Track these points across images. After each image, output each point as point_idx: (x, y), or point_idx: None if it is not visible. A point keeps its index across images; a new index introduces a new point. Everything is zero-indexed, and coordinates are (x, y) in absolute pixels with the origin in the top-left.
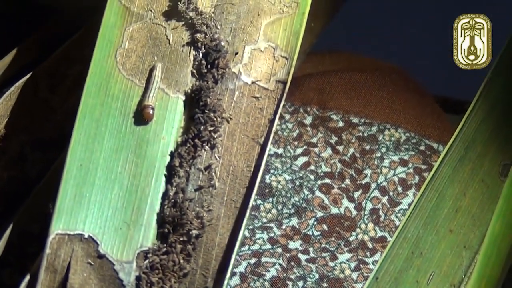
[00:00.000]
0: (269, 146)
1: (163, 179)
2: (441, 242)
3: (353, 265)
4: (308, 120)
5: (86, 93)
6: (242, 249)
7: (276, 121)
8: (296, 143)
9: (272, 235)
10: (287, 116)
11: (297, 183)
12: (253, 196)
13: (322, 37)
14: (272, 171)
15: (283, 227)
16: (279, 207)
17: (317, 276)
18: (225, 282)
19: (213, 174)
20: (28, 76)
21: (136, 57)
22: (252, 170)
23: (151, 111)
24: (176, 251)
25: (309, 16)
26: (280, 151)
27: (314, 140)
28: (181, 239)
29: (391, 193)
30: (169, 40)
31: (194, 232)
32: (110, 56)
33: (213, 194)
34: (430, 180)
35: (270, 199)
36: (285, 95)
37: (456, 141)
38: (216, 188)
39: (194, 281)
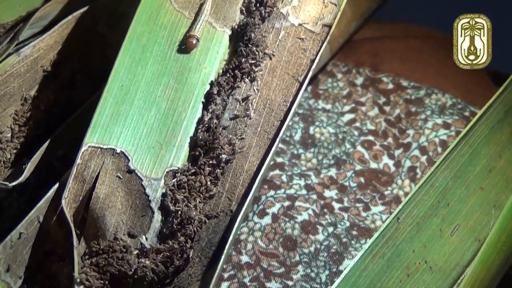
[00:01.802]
0: (306, 84)
1: (200, 105)
2: (470, 197)
3: (384, 217)
4: (359, 81)
5: (135, 20)
6: (278, 192)
7: (316, 61)
8: (345, 100)
9: (309, 182)
10: (339, 75)
11: (340, 137)
12: (284, 129)
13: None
14: (317, 123)
15: (321, 176)
16: (320, 157)
17: (348, 224)
18: (245, 207)
19: (250, 105)
20: (85, 8)
21: None
22: (288, 105)
23: (194, 41)
24: (204, 173)
25: None
26: (328, 106)
27: (363, 99)
28: (211, 162)
29: (430, 153)
30: None
31: (224, 156)
32: None
33: (247, 124)
34: (465, 135)
35: (312, 149)
36: (328, 37)
37: (496, 102)
38: (251, 118)
39: (219, 203)
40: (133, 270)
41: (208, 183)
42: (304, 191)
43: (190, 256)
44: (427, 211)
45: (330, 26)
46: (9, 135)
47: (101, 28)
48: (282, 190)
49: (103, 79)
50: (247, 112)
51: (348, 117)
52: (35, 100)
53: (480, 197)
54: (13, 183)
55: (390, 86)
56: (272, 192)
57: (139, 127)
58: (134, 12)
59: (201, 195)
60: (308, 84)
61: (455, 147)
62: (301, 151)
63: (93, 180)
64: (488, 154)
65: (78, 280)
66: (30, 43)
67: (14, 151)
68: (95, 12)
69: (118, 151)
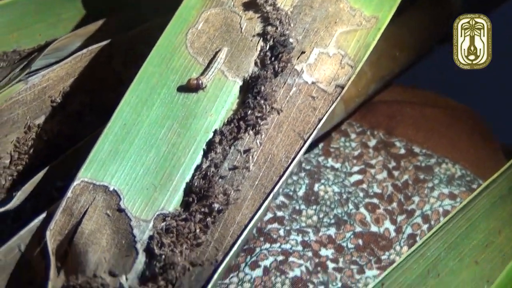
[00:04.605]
0: (309, 142)
1: (201, 153)
2: (463, 270)
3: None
4: (372, 143)
5: (148, 61)
6: (273, 245)
7: (323, 121)
8: (355, 161)
9: (306, 239)
10: (353, 136)
11: (344, 197)
12: (279, 186)
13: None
14: (323, 181)
15: (320, 234)
16: (321, 215)
17: (339, 285)
18: (228, 259)
19: (251, 157)
20: (104, 43)
21: (206, 39)
22: (289, 162)
23: (195, 81)
24: (194, 220)
25: (397, 45)
26: (337, 165)
27: (373, 161)
28: (203, 210)
29: (432, 222)
30: (241, 28)
31: (217, 206)
32: (181, 33)
33: (245, 176)
34: (464, 207)
35: (314, 207)
36: (339, 98)
37: (501, 177)
38: (250, 171)
39: (206, 252)
40: None
41: (197, 230)
42: (300, 247)
43: None
44: (414, 280)
45: (343, 87)
46: (8, 161)
47: (116, 65)
48: (278, 244)
49: (110, 118)
50: (247, 164)
51: (355, 177)
52: (39, 130)
53: (473, 271)
54: (0, 209)
55: (402, 151)
56: (267, 245)
57: (136, 167)
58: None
59: (188, 241)
60: (320, 141)
61: (452, 218)
62: (303, 207)
63: (81, 215)
64: (487, 228)
65: None
66: (40, 73)
67: (10, 178)
68: (112, 48)
69: (111, 189)
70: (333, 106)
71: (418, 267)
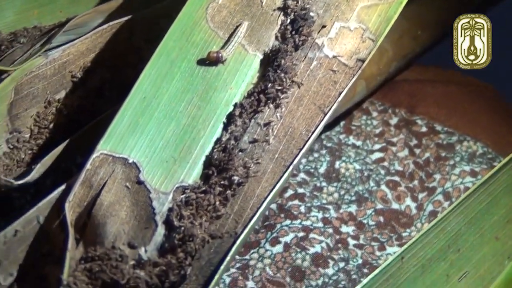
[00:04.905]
0: (329, 115)
1: (221, 126)
2: (483, 246)
3: None
4: (393, 121)
5: (168, 35)
6: (294, 222)
7: (343, 94)
8: (376, 139)
9: (327, 215)
10: (375, 114)
11: (365, 174)
12: (299, 158)
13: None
14: (344, 158)
15: (341, 211)
16: (342, 192)
17: (360, 261)
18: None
19: (271, 131)
20: (124, 19)
21: (226, 13)
22: (309, 135)
23: (215, 54)
24: (214, 192)
25: (419, 25)
26: (358, 143)
27: (395, 139)
28: (222, 182)
29: (453, 199)
30: (262, 3)
31: (237, 178)
32: (201, 7)
33: (265, 149)
34: (485, 182)
35: (335, 184)
36: (360, 71)
37: None
38: (270, 144)
39: (225, 224)
40: (125, 279)
41: (217, 203)
42: (320, 224)
43: (187, 273)
44: (434, 254)
45: (363, 61)
46: (28, 135)
47: (137, 41)
48: (298, 221)
49: (131, 90)
50: (267, 138)
51: (377, 155)
52: (59, 104)
53: (494, 246)
54: (19, 182)
55: (424, 129)
56: (288, 222)
57: (155, 140)
58: None
59: (208, 214)
60: (342, 119)
61: (472, 193)
62: (324, 184)
63: (100, 187)
64: (508, 204)
65: (65, 282)
66: (60, 47)
67: (30, 152)
68: (133, 24)
69: (130, 161)
70: (353, 80)
71: (438, 242)
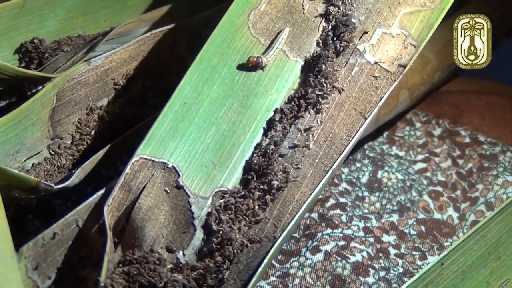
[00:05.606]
0: (369, 120)
1: (261, 131)
2: None
3: None
4: (437, 132)
5: (210, 41)
6: (335, 230)
7: (384, 99)
8: (419, 149)
9: (368, 225)
10: (418, 125)
11: (408, 184)
12: (338, 163)
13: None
14: (386, 168)
15: (382, 220)
16: (384, 202)
17: (401, 270)
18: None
19: (311, 136)
20: (167, 27)
21: (268, 20)
22: (350, 140)
23: (255, 59)
24: (253, 197)
25: None
26: (401, 153)
27: (438, 150)
28: (262, 187)
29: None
30: (304, 10)
31: (276, 183)
32: (243, 14)
33: (305, 154)
34: None
35: (377, 193)
36: (401, 76)
37: None
38: (310, 149)
39: (264, 229)
40: (163, 283)
41: (256, 207)
42: (361, 233)
43: (225, 277)
44: (474, 261)
45: (405, 66)
46: (69, 142)
47: (180, 50)
48: (339, 230)
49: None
50: (307, 143)
51: (419, 166)
52: (101, 111)
53: None
54: (58, 186)
55: (467, 140)
56: (329, 230)
57: (195, 145)
58: None
59: (247, 218)
60: (385, 129)
61: None
62: (366, 194)
63: (139, 191)
64: None
65: (102, 284)
66: (102, 55)
67: (71, 158)
68: (176, 33)
69: (170, 165)
70: (394, 85)
71: (479, 249)
